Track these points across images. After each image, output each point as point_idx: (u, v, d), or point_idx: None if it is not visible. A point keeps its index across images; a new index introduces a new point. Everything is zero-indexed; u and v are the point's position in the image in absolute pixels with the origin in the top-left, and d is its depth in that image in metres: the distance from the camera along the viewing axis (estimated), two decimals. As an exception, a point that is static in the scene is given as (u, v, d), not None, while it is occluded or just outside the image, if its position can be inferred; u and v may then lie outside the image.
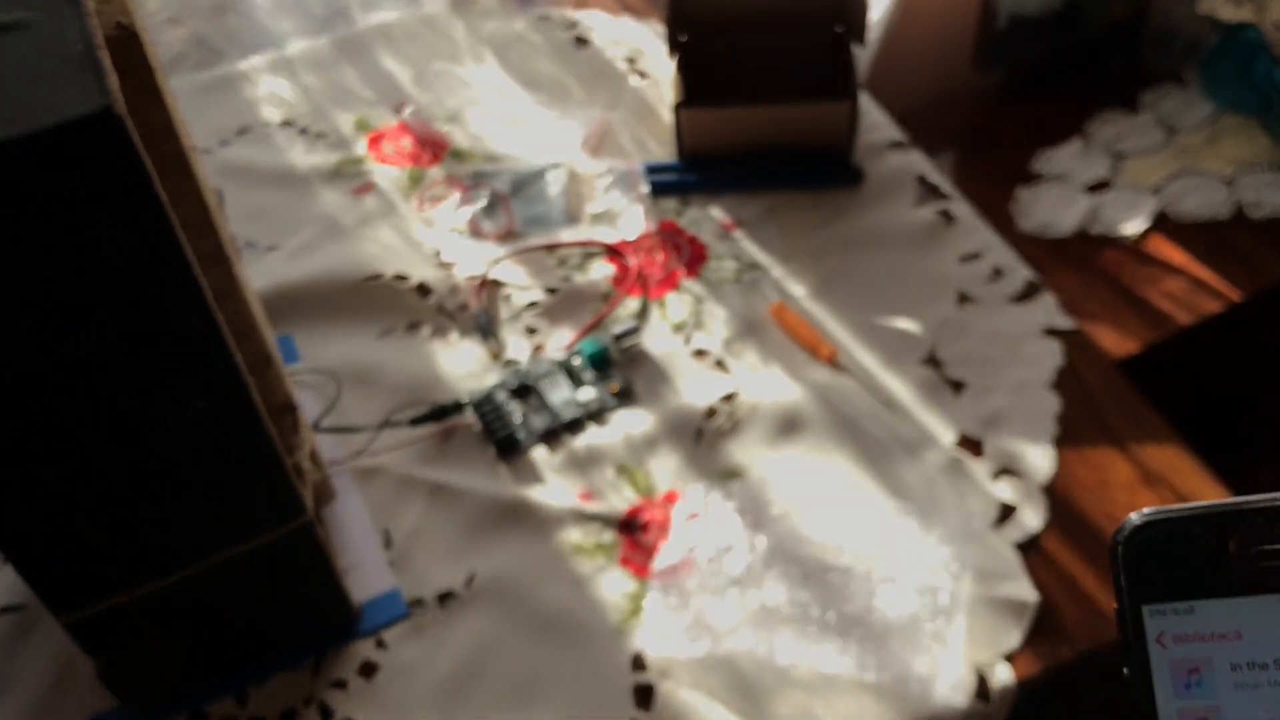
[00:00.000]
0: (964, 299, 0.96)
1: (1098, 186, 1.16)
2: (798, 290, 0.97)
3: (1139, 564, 0.30)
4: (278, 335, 0.97)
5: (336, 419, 0.91)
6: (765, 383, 0.91)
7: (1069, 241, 1.12)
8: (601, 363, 0.93)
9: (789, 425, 0.88)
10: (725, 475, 0.86)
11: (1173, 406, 0.99)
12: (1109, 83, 1.26)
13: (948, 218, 1.02)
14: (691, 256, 1.00)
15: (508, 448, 0.89)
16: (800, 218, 1.03)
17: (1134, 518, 0.30)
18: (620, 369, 0.93)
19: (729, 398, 0.90)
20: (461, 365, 0.94)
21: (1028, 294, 0.96)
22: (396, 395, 0.92)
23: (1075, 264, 1.11)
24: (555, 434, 0.89)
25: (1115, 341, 1.04)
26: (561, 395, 0.91)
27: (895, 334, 0.94)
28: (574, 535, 0.84)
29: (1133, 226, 1.12)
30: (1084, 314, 1.08)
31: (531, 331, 0.97)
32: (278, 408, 0.75)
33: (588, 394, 0.90)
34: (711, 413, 0.89)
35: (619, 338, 0.93)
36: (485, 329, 0.96)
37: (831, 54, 1.03)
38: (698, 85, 1.04)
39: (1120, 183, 1.17)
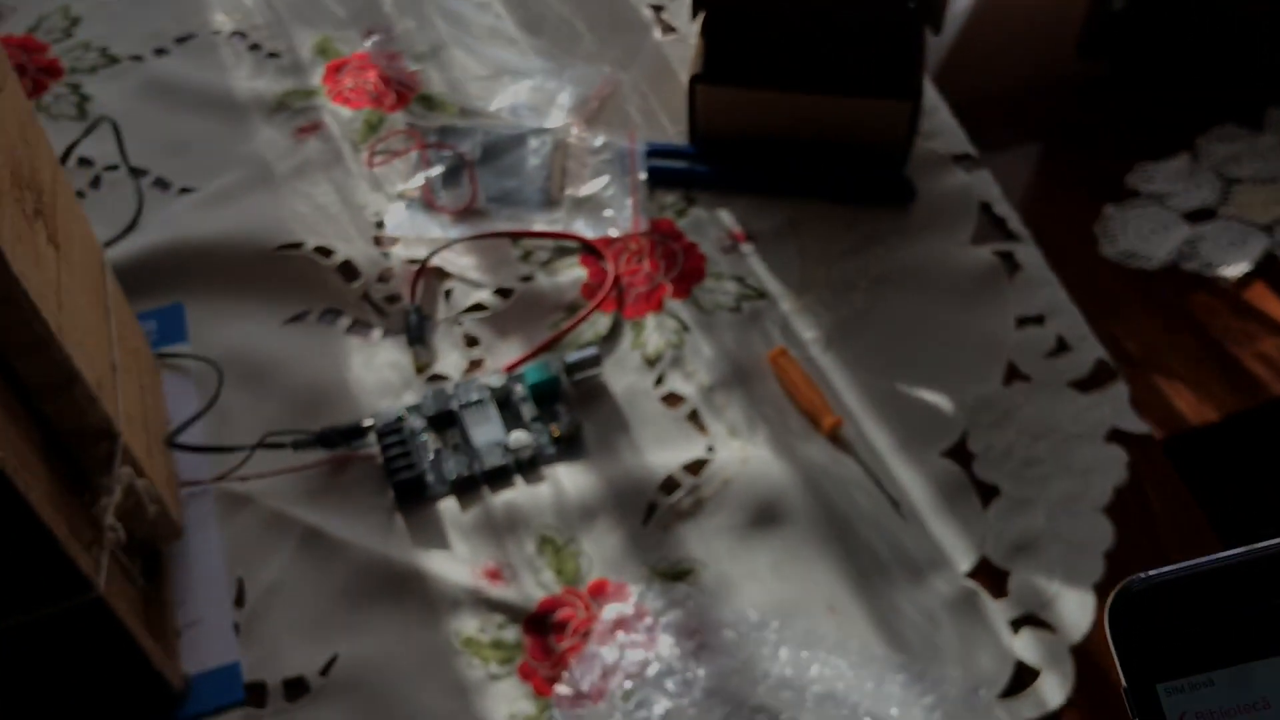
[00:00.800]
0: (1014, 374, 0.76)
1: (1200, 214, 0.97)
2: (808, 333, 0.78)
3: (1145, 636, 0.27)
4: (167, 303, 0.79)
5: (213, 422, 0.73)
6: (746, 452, 0.72)
7: (1156, 275, 0.93)
8: (548, 396, 0.74)
9: (765, 515, 0.70)
10: (673, 572, 0.68)
11: (1255, 489, 0.81)
12: (1232, 90, 1.05)
13: (1010, 263, 0.81)
14: (685, 270, 0.81)
15: (409, 494, 0.71)
16: (828, 238, 0.82)
17: (1133, 582, 0.28)
18: (570, 407, 0.74)
19: (697, 466, 0.72)
20: (377, 374, 0.76)
21: (1096, 379, 0.76)
22: (290, 402, 0.74)
23: (1159, 304, 0.92)
24: (473, 484, 0.71)
25: (1193, 405, 0.87)
26: (489, 434, 0.72)
27: (920, 409, 0.74)
28: (469, 625, 0.66)
29: (1234, 268, 0.93)
30: (1160, 367, 0.89)
31: (471, 342, 0.78)
32: (88, 435, 0.57)
33: (521, 438, 0.72)
34: (672, 484, 0.71)
35: (574, 367, 0.74)
36: (414, 331, 0.77)
37: (897, 36, 0.82)
38: (724, 56, 0.83)
39: (1227, 213, 0.97)
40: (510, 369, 0.75)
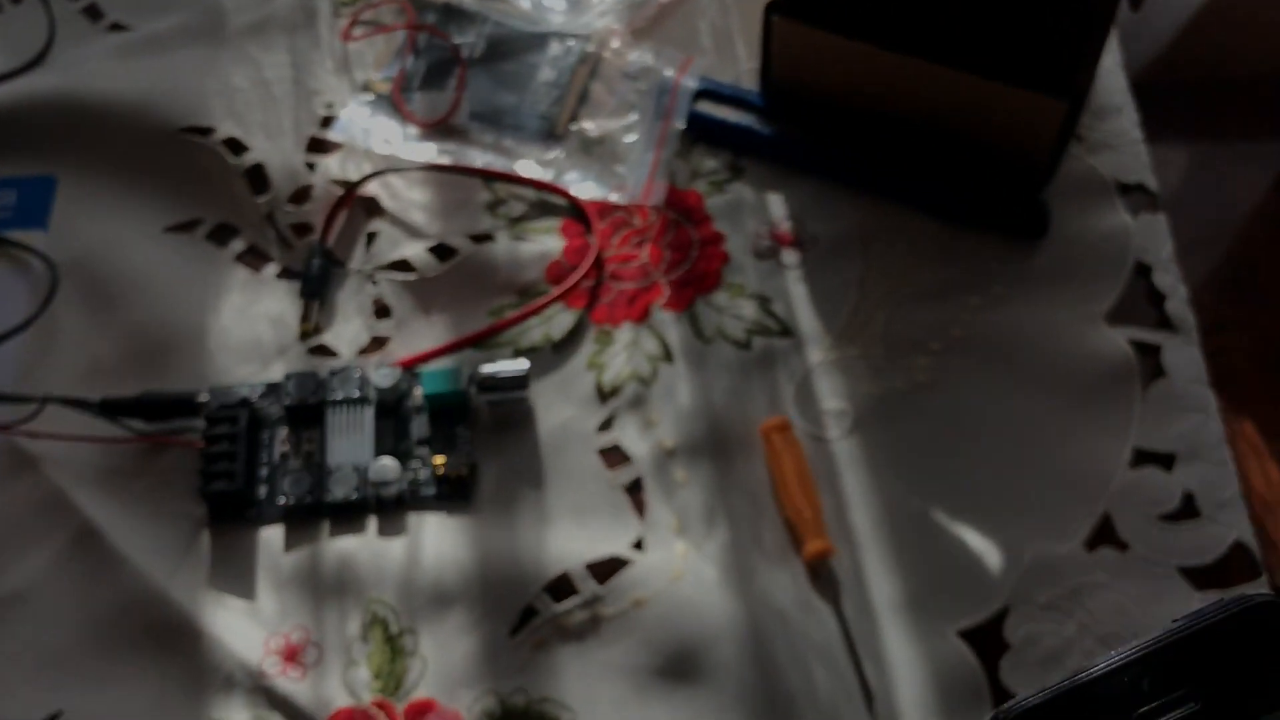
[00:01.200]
0: (1106, 535, 0.52)
1: None
2: (833, 402, 0.55)
3: None
4: (40, 172, 0.61)
5: (36, 344, 0.56)
6: (686, 563, 0.51)
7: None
8: (449, 414, 0.54)
9: (680, 664, 0.49)
10: (528, 712, 0.48)
11: None
12: None
13: (1152, 364, 0.56)
14: (695, 270, 0.59)
15: (224, 511, 0.52)
16: (907, 265, 0.59)
17: (1001, 711, 0.27)
18: (474, 437, 0.54)
19: (610, 568, 0.51)
20: (251, 326, 0.57)
21: (1227, 572, 0.51)
22: (133, 340, 0.57)
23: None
24: (312, 514, 0.52)
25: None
26: (351, 451, 0.53)
27: (954, 555, 0.51)
28: (237, 717, 0.48)
29: None
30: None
31: (382, 312, 0.58)
32: None
33: (386, 469, 0.52)
34: (565, 587, 0.51)
35: (490, 382, 0.54)
36: (312, 280, 0.58)
37: (1072, 7, 0.56)
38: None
39: None
40: (409, 364, 0.55)
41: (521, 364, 0.54)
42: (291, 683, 0.49)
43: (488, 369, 0.54)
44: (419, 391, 0.55)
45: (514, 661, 0.49)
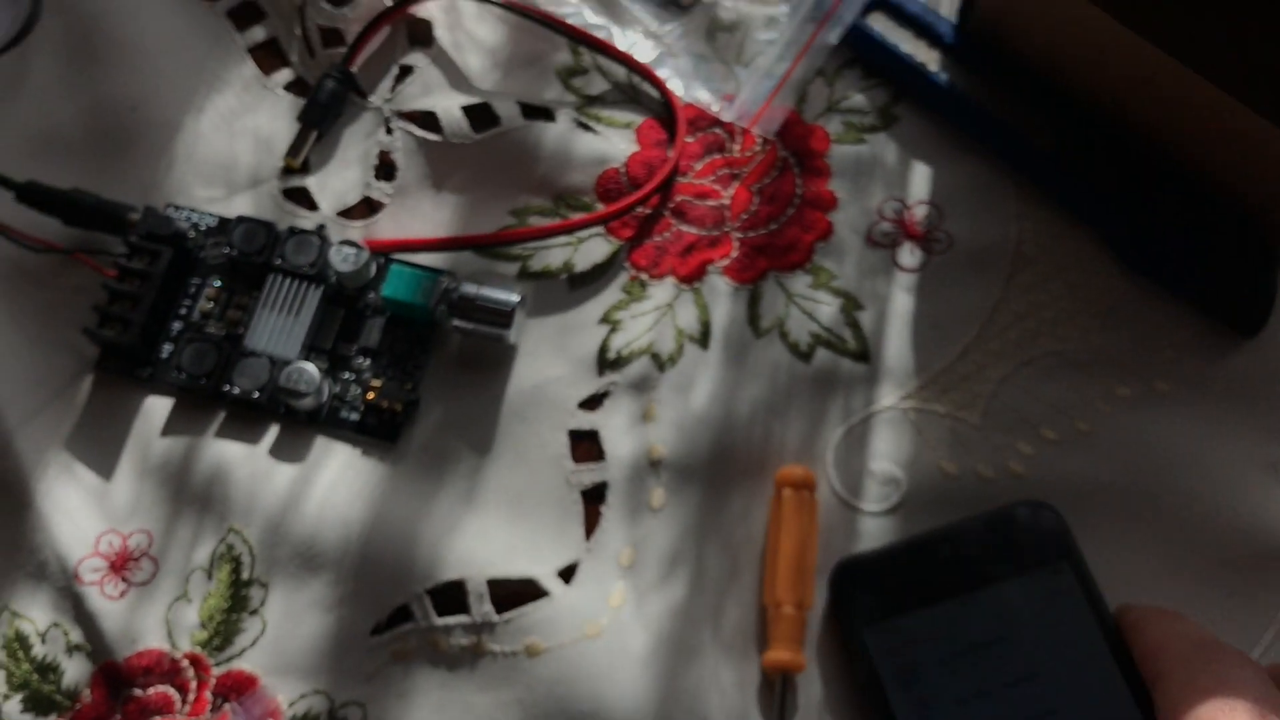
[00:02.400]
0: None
1: None
2: (886, 464, 0.41)
3: (854, 594, 0.38)
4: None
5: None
6: (617, 615, 0.39)
7: None
8: (409, 327, 0.43)
9: (556, 743, 0.38)
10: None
11: None
12: None
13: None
14: (782, 235, 0.44)
15: (113, 360, 0.43)
16: (1060, 314, 0.43)
17: (843, 560, 0.39)
18: (434, 361, 0.43)
19: (521, 592, 0.40)
20: (228, 144, 0.47)
21: None
22: (94, 113, 0.47)
23: None
24: (206, 399, 0.42)
25: None
26: (279, 338, 0.43)
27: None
28: (33, 616, 0.40)
29: None
30: None
31: (384, 172, 0.46)
32: None
33: (307, 376, 0.41)
34: (457, 597, 0.40)
35: (466, 306, 0.42)
36: (317, 105, 0.46)
37: None
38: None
39: None
40: (383, 248, 0.44)
41: (511, 296, 0.42)
42: (105, 600, 0.40)
43: (469, 290, 0.42)
44: (373, 291, 0.43)
45: (364, 666, 0.39)
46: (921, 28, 0.47)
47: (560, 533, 0.41)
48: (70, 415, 0.42)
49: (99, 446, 0.42)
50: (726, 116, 0.46)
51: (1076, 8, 0.40)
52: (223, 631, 0.39)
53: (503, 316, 0.42)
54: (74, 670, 0.39)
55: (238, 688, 0.39)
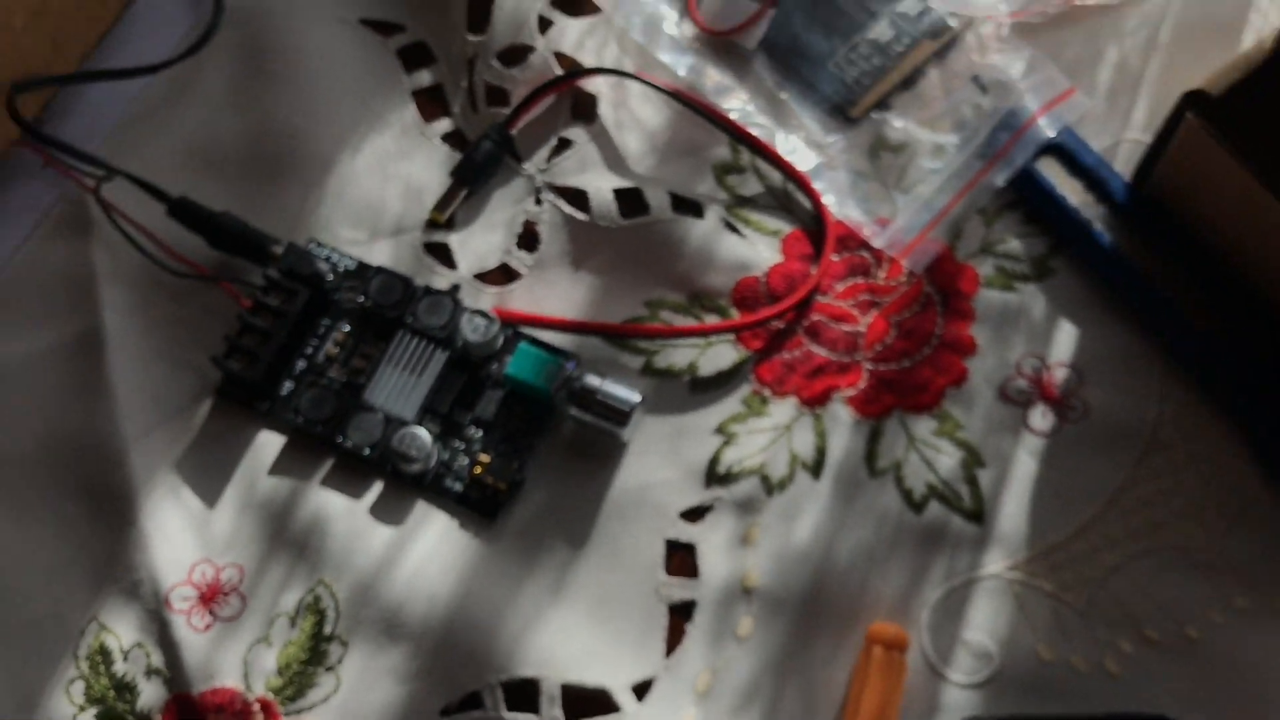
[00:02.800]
0: None
1: None
2: (981, 635, 0.40)
3: None
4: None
5: (159, 92, 0.48)
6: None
7: None
8: (526, 406, 0.43)
9: None
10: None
11: None
12: None
13: None
14: (912, 374, 0.44)
15: (236, 389, 0.44)
16: (1188, 507, 0.42)
17: None
18: (545, 444, 0.43)
19: (592, 702, 0.40)
20: (379, 188, 0.47)
21: None
22: (254, 135, 0.47)
23: None
24: (318, 445, 0.43)
25: None
26: (398, 396, 0.43)
27: None
28: (120, 631, 0.41)
29: None
30: None
31: (527, 242, 0.46)
32: None
33: (419, 442, 0.41)
34: (528, 696, 0.39)
35: (588, 398, 0.42)
36: (473, 165, 0.46)
37: None
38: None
39: None
40: (513, 320, 0.44)
41: (632, 396, 0.41)
42: (191, 631, 0.40)
43: (592, 382, 0.42)
44: (497, 361, 0.43)
45: (429, 745, 0.39)
46: (1093, 181, 0.45)
47: (641, 645, 0.40)
48: (185, 437, 0.43)
49: (207, 473, 0.42)
50: (877, 242, 0.45)
51: (1256, 194, 0.39)
52: (297, 682, 0.40)
53: (621, 415, 0.41)
54: (150, 694, 0.40)
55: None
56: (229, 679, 0.40)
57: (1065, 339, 0.44)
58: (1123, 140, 0.46)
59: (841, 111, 0.47)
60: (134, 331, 0.44)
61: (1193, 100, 0.40)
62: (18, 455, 0.43)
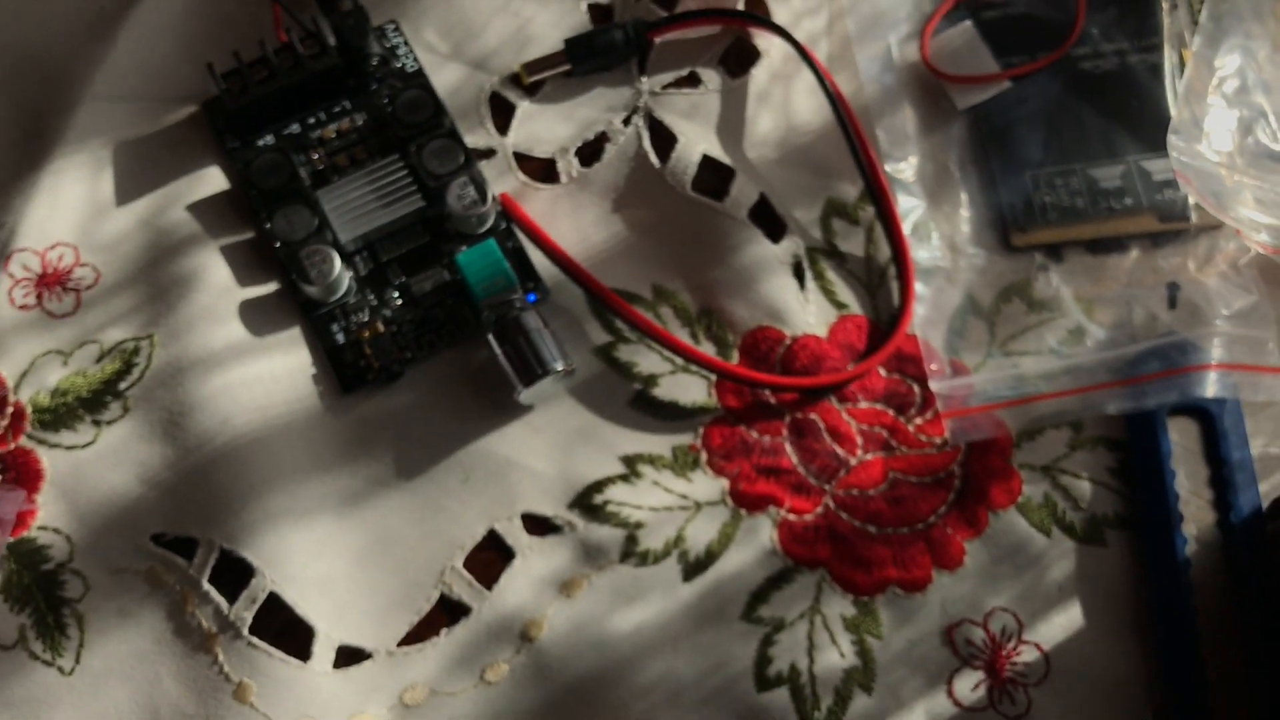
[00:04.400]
0: None
1: None
2: None
3: None
4: None
5: None
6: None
7: None
8: (459, 305, 0.37)
9: None
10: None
11: None
12: None
13: None
14: (891, 545, 0.35)
15: (218, 117, 0.39)
16: None
17: None
18: (447, 354, 0.36)
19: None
20: (498, 18, 0.41)
21: None
22: None
23: None
24: (249, 207, 0.37)
25: None
26: (352, 218, 0.37)
27: None
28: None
29: None
30: None
31: (587, 154, 0.39)
32: None
33: (333, 271, 0.36)
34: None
35: (510, 328, 0.35)
36: (588, 48, 0.39)
37: None
38: None
39: None
40: (512, 215, 0.37)
41: (556, 363, 0.35)
42: (7, 302, 0.36)
43: (529, 322, 0.35)
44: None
45: (118, 557, 0.34)
46: (1220, 479, 0.35)
47: (387, 613, 0.34)
48: (144, 125, 0.39)
49: (137, 171, 0.38)
50: (934, 385, 0.36)
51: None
52: (61, 414, 0.35)
53: (530, 373, 0.34)
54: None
55: (19, 471, 0.34)
56: (6, 367, 0.36)
57: (1061, 624, 0.34)
58: (1293, 459, 0.35)
59: (1004, 230, 0.38)
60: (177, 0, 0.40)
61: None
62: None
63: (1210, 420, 0.35)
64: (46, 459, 0.35)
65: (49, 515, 0.34)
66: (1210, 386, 0.35)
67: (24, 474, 0.35)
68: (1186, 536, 0.34)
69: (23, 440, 0.35)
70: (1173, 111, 0.38)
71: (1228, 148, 0.37)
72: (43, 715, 0.32)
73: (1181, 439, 0.35)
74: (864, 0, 0.40)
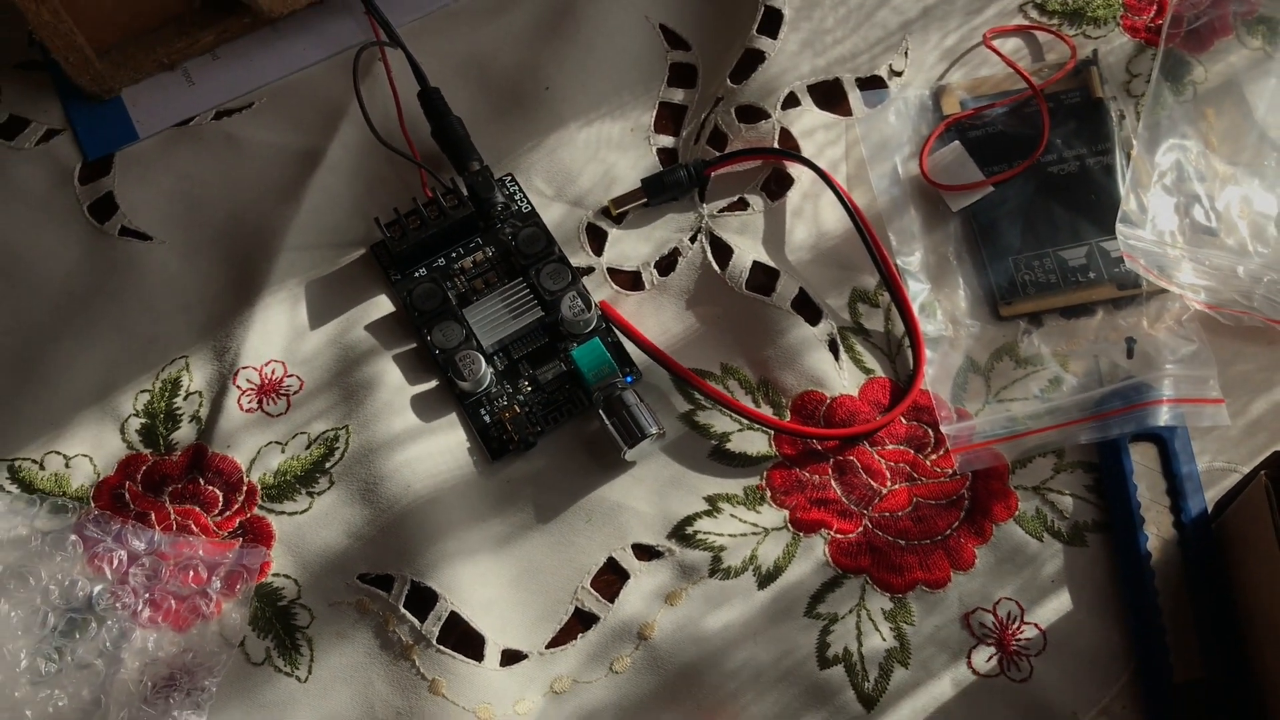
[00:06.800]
0: None
1: None
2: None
3: None
4: None
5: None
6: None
7: None
8: (575, 389, 0.48)
9: None
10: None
11: None
12: None
13: None
14: (916, 553, 0.45)
15: (383, 255, 0.51)
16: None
17: None
18: (569, 427, 0.47)
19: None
20: (590, 165, 0.52)
21: None
22: (523, 69, 0.54)
23: None
24: (415, 324, 0.49)
25: None
26: (491, 327, 0.49)
27: None
28: (195, 380, 0.49)
29: None
30: None
31: (664, 266, 0.50)
32: None
33: (480, 372, 0.47)
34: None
35: (614, 404, 0.46)
36: (661, 185, 0.51)
37: None
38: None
39: None
40: (610, 318, 0.49)
41: (650, 426, 0.45)
42: (237, 406, 0.48)
43: (629, 398, 0.46)
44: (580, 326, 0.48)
45: (333, 592, 0.45)
46: (1174, 490, 0.44)
47: (535, 624, 0.45)
48: (326, 266, 0.51)
49: (325, 301, 0.50)
50: (945, 428, 0.46)
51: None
52: (283, 487, 0.47)
53: (632, 436, 0.45)
54: (183, 432, 0.48)
55: (256, 534, 0.46)
56: (240, 456, 0.47)
57: (1055, 606, 0.44)
58: (1235, 469, 0.45)
59: (993, 304, 0.48)
60: (345, 169, 0.52)
61: (1275, 461, 0.39)
62: (213, 208, 0.52)
63: (1164, 444, 0.45)
64: (275, 523, 0.46)
65: (281, 565, 0.46)
66: (1163, 417, 0.45)
67: (260, 535, 0.46)
68: (1148, 535, 0.44)
69: (256, 510, 0.47)
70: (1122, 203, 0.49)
71: (1171, 227, 0.48)
72: (287, 715, 0.44)
73: (1142, 459, 0.45)
74: (873, 130, 0.51)
